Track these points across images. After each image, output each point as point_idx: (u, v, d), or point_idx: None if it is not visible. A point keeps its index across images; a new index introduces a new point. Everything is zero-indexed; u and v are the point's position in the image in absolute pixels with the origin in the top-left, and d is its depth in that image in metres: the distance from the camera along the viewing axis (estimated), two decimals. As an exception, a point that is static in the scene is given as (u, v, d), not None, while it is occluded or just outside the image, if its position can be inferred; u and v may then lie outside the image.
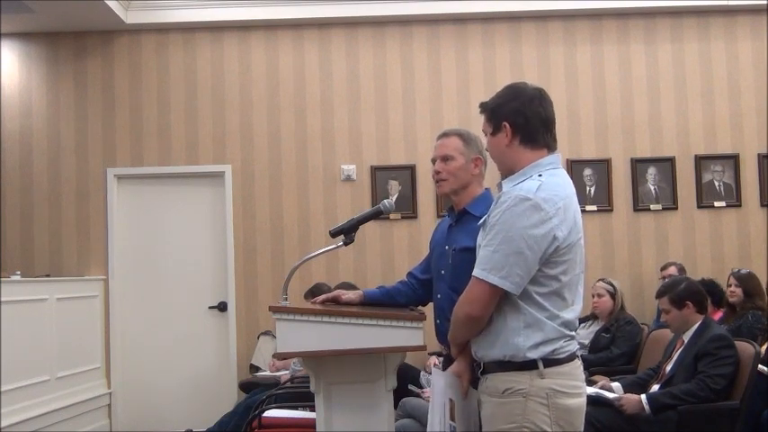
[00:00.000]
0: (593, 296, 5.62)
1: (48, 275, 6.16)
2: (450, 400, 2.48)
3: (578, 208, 2.34)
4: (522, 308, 2.23)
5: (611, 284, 5.62)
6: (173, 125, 6.47)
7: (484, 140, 2.58)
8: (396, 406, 3.23)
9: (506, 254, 2.19)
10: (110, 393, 6.29)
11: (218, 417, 5.37)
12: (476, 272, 2.25)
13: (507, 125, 2.36)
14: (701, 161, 6.48)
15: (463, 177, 2.82)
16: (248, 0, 6.34)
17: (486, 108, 2.45)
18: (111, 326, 6.33)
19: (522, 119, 2.35)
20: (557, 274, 2.24)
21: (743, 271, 5.24)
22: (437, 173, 2.86)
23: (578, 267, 2.30)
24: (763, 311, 4.96)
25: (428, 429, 2.49)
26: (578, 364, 2.32)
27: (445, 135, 2.88)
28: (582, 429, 2.30)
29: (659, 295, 4.34)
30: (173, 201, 6.52)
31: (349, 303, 2.90)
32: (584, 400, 2.31)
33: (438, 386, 2.50)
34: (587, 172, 6.47)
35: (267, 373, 5.76)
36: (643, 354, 5.17)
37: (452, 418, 2.46)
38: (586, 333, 5.59)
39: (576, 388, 2.28)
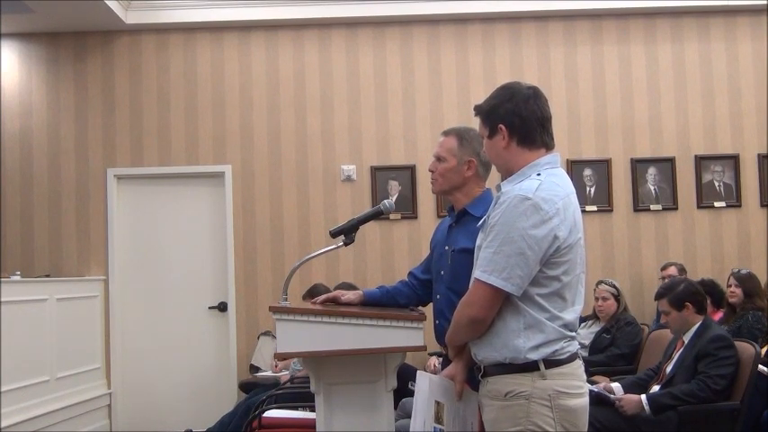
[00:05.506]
0: (597, 300, 5.61)
1: (48, 275, 6.16)
2: (438, 402, 2.46)
3: (578, 207, 2.32)
4: (522, 309, 2.22)
5: (614, 286, 5.61)
6: (173, 125, 6.47)
7: None
8: (396, 406, 3.23)
9: (508, 255, 2.17)
10: (110, 393, 6.29)
11: (218, 417, 5.36)
12: (477, 274, 2.24)
13: (503, 127, 2.33)
14: (701, 161, 6.48)
15: (453, 179, 2.82)
16: (248, 0, 6.34)
17: (480, 111, 2.42)
18: (111, 326, 6.33)
19: (518, 120, 2.32)
20: (558, 274, 2.22)
21: (743, 271, 5.23)
22: (430, 171, 2.88)
23: (579, 267, 2.29)
24: (763, 312, 4.96)
25: (410, 430, 2.48)
26: (579, 364, 2.31)
27: (445, 133, 2.88)
28: (585, 429, 2.29)
29: (658, 297, 4.34)
30: (173, 201, 6.52)
31: (348, 304, 2.89)
32: (586, 400, 2.30)
33: (422, 388, 2.49)
34: (587, 172, 6.47)
35: (267, 373, 5.76)
36: (643, 354, 5.17)
37: (439, 421, 2.45)
38: (587, 333, 5.59)
39: (578, 388, 2.27)
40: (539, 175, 2.27)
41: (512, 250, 2.17)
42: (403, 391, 4.18)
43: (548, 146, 2.36)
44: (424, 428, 2.43)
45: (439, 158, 2.84)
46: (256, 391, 5.34)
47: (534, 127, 2.33)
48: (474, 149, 2.79)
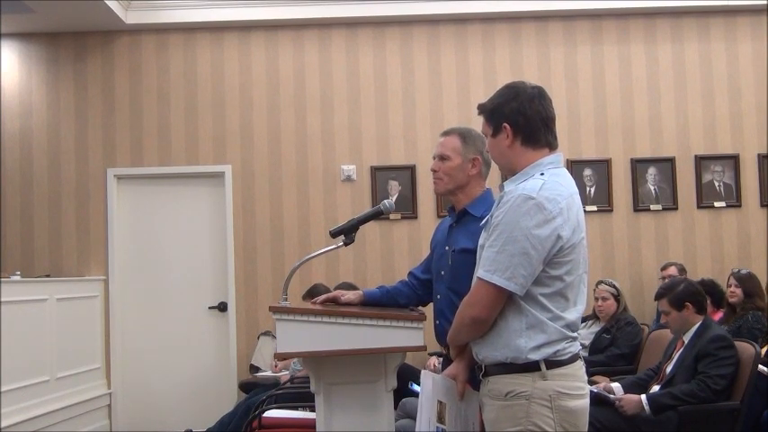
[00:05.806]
0: (597, 300, 5.62)
1: (48, 275, 6.16)
2: (440, 402, 2.46)
3: (581, 207, 2.32)
4: (524, 309, 2.22)
5: (614, 286, 5.61)
6: (173, 125, 6.47)
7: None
8: (396, 406, 3.23)
9: (511, 254, 2.17)
10: (110, 393, 6.29)
11: (218, 417, 5.36)
12: (480, 273, 2.23)
13: (507, 126, 2.33)
14: (701, 161, 6.48)
15: (459, 178, 2.81)
16: (248, 0, 6.34)
17: (484, 109, 2.41)
18: (111, 326, 6.33)
19: (523, 119, 2.32)
20: (560, 274, 2.22)
21: (743, 271, 5.23)
22: (433, 171, 2.86)
23: (581, 267, 2.29)
24: (763, 312, 4.96)
25: (416, 429, 2.49)
26: (581, 365, 2.31)
27: (446, 133, 2.88)
28: (586, 430, 2.29)
29: (658, 297, 4.34)
30: (173, 201, 6.52)
31: (349, 304, 2.89)
32: (587, 401, 2.29)
33: (426, 387, 2.49)
34: (587, 172, 6.46)
35: (267, 373, 5.76)
36: (643, 354, 5.17)
37: (441, 421, 2.45)
38: (587, 333, 5.59)
39: (579, 389, 2.26)
40: (542, 174, 2.27)
41: (515, 250, 2.17)
42: (403, 391, 4.18)
43: (551, 146, 2.36)
44: (429, 428, 2.43)
45: (443, 157, 2.83)
46: (256, 391, 5.34)
47: (538, 126, 2.33)
48: (477, 148, 2.80)
